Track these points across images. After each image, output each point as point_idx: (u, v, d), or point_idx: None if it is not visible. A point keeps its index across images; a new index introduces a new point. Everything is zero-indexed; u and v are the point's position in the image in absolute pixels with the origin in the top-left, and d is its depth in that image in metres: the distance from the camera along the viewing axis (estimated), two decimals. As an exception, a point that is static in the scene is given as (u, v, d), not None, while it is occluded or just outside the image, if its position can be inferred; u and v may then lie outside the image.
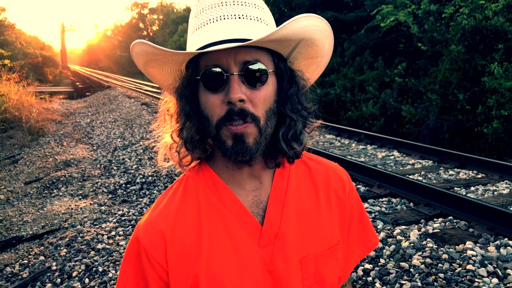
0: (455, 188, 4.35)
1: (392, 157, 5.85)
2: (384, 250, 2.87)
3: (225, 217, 0.79)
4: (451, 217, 3.46)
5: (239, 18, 0.74)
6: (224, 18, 0.74)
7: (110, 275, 3.54)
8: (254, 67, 0.73)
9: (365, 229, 0.95)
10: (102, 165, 7.31)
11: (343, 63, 14.01)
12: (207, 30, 0.74)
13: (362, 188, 4.39)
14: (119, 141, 8.85)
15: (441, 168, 5.19)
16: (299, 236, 0.81)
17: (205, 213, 0.80)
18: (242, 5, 0.75)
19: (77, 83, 30.57)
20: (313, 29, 0.78)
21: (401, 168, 5.23)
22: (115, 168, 7.00)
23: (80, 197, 5.95)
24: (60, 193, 6.22)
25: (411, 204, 3.88)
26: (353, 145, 6.79)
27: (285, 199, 0.82)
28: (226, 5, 0.74)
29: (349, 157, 5.82)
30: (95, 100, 17.99)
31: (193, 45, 0.77)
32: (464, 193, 4.19)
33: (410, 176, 4.79)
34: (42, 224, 5.01)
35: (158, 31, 50.74)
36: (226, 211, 0.79)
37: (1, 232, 5.07)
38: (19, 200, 6.28)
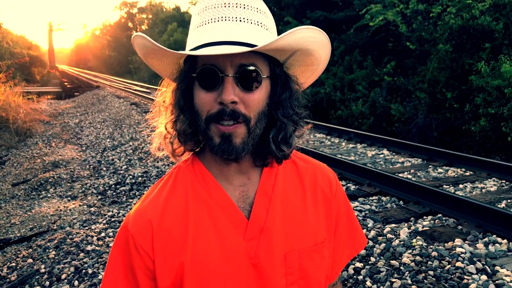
0: (444, 186, 4.40)
1: (381, 155, 5.89)
2: (375, 249, 2.89)
3: (212, 209, 0.80)
4: (440, 215, 3.50)
5: (240, 21, 0.75)
6: (225, 20, 0.75)
7: (100, 277, 3.50)
8: (250, 70, 0.74)
9: (353, 230, 0.96)
10: (91, 166, 7.24)
11: (332, 62, 14.06)
12: (208, 29, 0.76)
13: (352, 187, 4.41)
14: (108, 142, 8.77)
15: (430, 166, 5.24)
16: (284, 231, 0.83)
17: (193, 204, 0.81)
18: (244, 8, 0.76)
19: (66, 83, 30.23)
20: (310, 40, 0.79)
21: (390, 167, 5.27)
22: (104, 168, 6.93)
23: (69, 198, 5.88)
24: (49, 195, 6.14)
25: (401, 202, 3.91)
26: (343, 144, 6.82)
27: (271, 195, 0.83)
28: (228, 6, 0.76)
29: (339, 156, 5.85)
30: (84, 100, 17.81)
31: (193, 42, 0.78)
32: (453, 191, 4.24)
33: (400, 175, 4.83)
34: (30, 226, 4.95)
35: (147, 30, 50.40)
36: (214, 204, 0.81)
37: (-12, 235, 4.99)
38: (6, 202, 6.19)
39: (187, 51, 0.77)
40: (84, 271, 3.62)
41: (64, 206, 5.44)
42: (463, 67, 8.81)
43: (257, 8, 0.78)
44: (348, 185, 4.49)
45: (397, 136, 10.37)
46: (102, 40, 67.91)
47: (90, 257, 3.86)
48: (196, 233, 0.79)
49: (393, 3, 11.56)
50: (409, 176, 4.79)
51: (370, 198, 4.07)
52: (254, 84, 0.75)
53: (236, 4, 0.76)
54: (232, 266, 0.79)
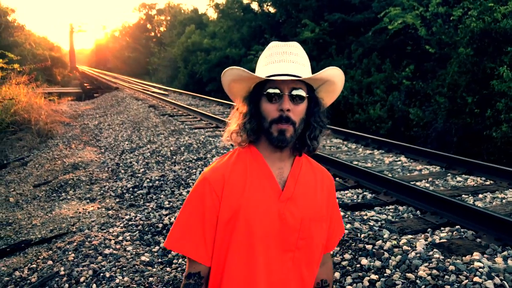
0: (463, 196, 4.32)
1: (399, 162, 5.82)
2: (390, 261, 2.86)
3: (261, 177, 1.22)
4: (458, 226, 3.44)
5: (293, 62, 1.20)
6: (285, 61, 1.20)
7: (117, 281, 3.56)
8: (298, 92, 1.19)
9: (340, 221, 1.41)
10: (110, 168, 7.36)
11: (350, 65, 13.96)
12: (274, 66, 1.20)
13: (369, 195, 4.38)
14: (127, 144, 8.90)
15: (449, 174, 5.16)
16: (303, 203, 1.24)
17: (250, 171, 1.23)
18: (295, 55, 1.21)
19: (85, 84, 30.80)
20: (336, 74, 1.24)
21: (408, 174, 5.21)
22: (122, 171, 7.04)
23: (88, 200, 6.00)
24: (68, 197, 6.27)
25: (418, 212, 3.86)
26: (360, 149, 6.77)
27: (298, 178, 1.25)
28: (286, 54, 1.21)
29: (356, 162, 5.81)
30: (103, 101, 18.10)
31: (264, 74, 1.20)
32: (472, 201, 4.16)
33: (417, 183, 4.77)
34: (51, 227, 5.06)
35: (165, 32, 50.90)
36: (262, 175, 1.22)
37: (10, 236, 5.13)
38: (28, 203, 6.35)
39: (262, 77, 1.20)
40: (102, 274, 3.69)
41: (83, 209, 5.55)
42: (484, 71, 8.64)
43: (302, 56, 1.23)
44: (365, 193, 4.46)
45: (416, 140, 10.22)
46: (121, 41, 68.92)
47: (108, 260, 3.93)
48: (250, 189, 1.21)
49: (413, 6, 11.40)
50: (427, 185, 4.72)
51: (387, 207, 4.03)
52: (299, 100, 1.19)
53: (290, 52, 1.22)
54: (268, 215, 1.19)
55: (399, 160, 5.93)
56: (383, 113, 11.12)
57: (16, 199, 6.59)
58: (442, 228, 3.48)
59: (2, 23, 35.11)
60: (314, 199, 1.26)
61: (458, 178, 4.99)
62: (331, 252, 3.10)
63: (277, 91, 1.17)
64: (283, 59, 1.19)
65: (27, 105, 11.59)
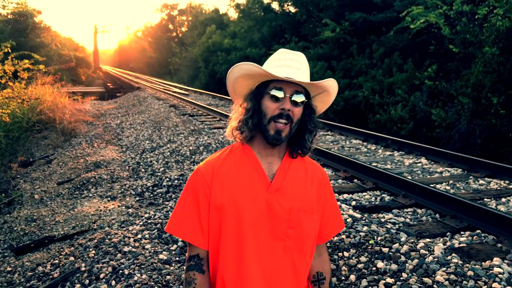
0: (485, 199, 4.22)
1: (419, 164, 5.72)
2: (407, 264, 2.83)
3: (251, 170, 1.33)
4: (479, 231, 3.37)
5: (298, 70, 1.32)
6: (292, 67, 1.31)
7: (136, 278, 3.63)
8: (298, 96, 1.30)
9: (336, 215, 1.47)
10: (131, 167, 7.49)
11: (371, 65, 13.79)
12: (281, 69, 1.30)
13: (387, 198, 4.33)
14: (147, 143, 9.04)
15: (471, 177, 5.04)
16: (291, 195, 1.33)
17: (240, 165, 1.34)
18: (300, 64, 1.33)
19: (109, 84, 31.40)
20: (332, 86, 1.36)
21: (428, 177, 5.11)
22: (143, 170, 7.16)
23: (109, 198, 6.12)
24: (90, 194, 6.42)
25: (437, 215, 3.79)
26: (380, 151, 6.68)
27: (287, 172, 1.35)
28: (293, 61, 1.32)
29: (375, 163, 5.74)
30: (125, 101, 18.43)
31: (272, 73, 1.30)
32: (494, 205, 4.06)
33: (438, 186, 4.68)
34: (73, 224, 5.19)
35: (187, 32, 51.38)
36: (252, 168, 1.33)
37: (34, 232, 5.29)
38: (52, 200, 6.53)
39: (277, 75, 1.28)
40: (120, 271, 3.77)
41: (104, 206, 5.67)
42: (510, 71, 8.40)
43: (306, 66, 1.35)
44: (383, 195, 4.41)
45: (438, 142, 10.02)
46: (143, 42, 69.97)
47: (127, 258, 4.01)
48: (239, 181, 1.32)
49: (436, 5, 11.18)
50: (448, 188, 4.63)
51: (405, 210, 3.98)
52: (299, 104, 1.30)
53: (297, 61, 1.33)
54: (256, 205, 1.30)
55: (420, 162, 5.83)
56: (404, 113, 10.95)
57: (40, 196, 6.79)
58: (462, 232, 3.41)
59: (30, 24, 36.15)
60: (303, 191, 1.35)
61: (481, 181, 4.87)
62: (344, 253, 3.08)
63: (281, 92, 1.28)
64: (290, 65, 1.31)
65: (52, 105, 11.90)
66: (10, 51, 7.36)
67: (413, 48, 13.23)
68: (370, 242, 3.21)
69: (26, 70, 7.99)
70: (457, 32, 10.60)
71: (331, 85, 1.35)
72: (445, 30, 10.65)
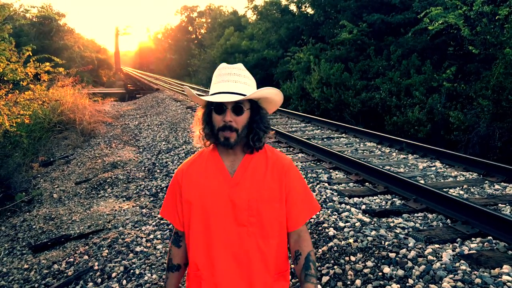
0: (499, 205, 4.13)
1: (433, 168, 5.64)
2: (414, 270, 2.80)
3: (215, 169, 1.55)
4: (490, 237, 3.31)
5: (235, 82, 1.50)
6: (229, 81, 1.50)
7: (146, 278, 3.70)
8: (239, 106, 1.48)
9: (307, 198, 1.61)
10: (146, 168, 7.62)
11: (389, 66, 13.62)
12: (220, 85, 1.50)
13: (398, 202, 4.29)
14: (163, 144, 9.17)
15: (486, 181, 4.94)
16: (250, 187, 1.51)
17: (206, 166, 1.57)
18: (238, 76, 1.51)
19: (129, 85, 31.90)
20: (271, 92, 1.53)
21: (442, 181, 5.03)
22: (158, 171, 7.27)
23: (124, 198, 6.25)
24: (106, 194, 6.56)
25: (448, 221, 3.74)
26: (394, 154, 6.61)
27: (247, 168, 1.54)
28: (231, 75, 1.51)
29: (388, 167, 5.69)
30: (144, 102, 18.71)
31: (213, 90, 1.52)
32: (508, 211, 3.97)
33: (451, 190, 4.61)
34: (88, 224, 5.32)
35: (205, 34, 51.79)
36: (215, 168, 1.55)
37: (52, 230, 5.44)
38: (69, 199, 6.70)
39: (209, 98, 1.48)
40: (132, 271, 3.85)
41: (119, 206, 5.79)
42: (532, 73, 8.17)
43: (244, 76, 1.53)
44: (394, 199, 4.37)
45: (456, 145, 9.82)
46: (163, 44, 70.83)
47: (138, 258, 4.09)
48: (205, 179, 1.55)
49: (456, 5, 10.97)
50: (461, 192, 4.55)
51: (416, 214, 3.93)
52: (241, 112, 1.48)
53: (234, 73, 1.51)
54: (219, 198, 1.52)
55: (434, 166, 5.74)
56: (422, 116, 10.77)
57: (59, 195, 6.97)
58: (472, 239, 3.35)
59: (54, 27, 37.11)
60: (262, 183, 1.53)
61: (496, 186, 4.77)
62: (351, 258, 3.07)
63: (221, 106, 1.47)
64: (228, 79, 1.49)
65: (72, 106, 12.19)
66: (31, 54, 7.59)
67: (431, 49, 12.99)
68: (349, 241, 3.23)
69: (47, 72, 8.22)
70: (477, 33, 10.37)
71: (266, 93, 1.51)
72: (464, 31, 10.44)
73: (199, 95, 1.64)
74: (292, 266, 1.61)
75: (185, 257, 1.67)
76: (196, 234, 1.55)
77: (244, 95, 1.47)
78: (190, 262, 1.59)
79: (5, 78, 6.80)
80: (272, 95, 1.54)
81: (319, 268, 3.12)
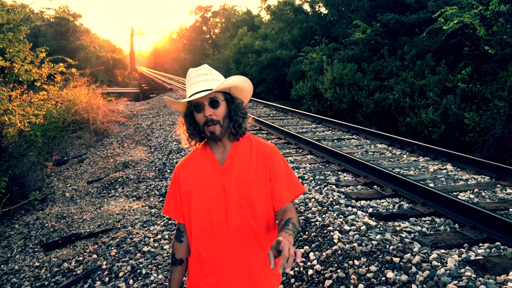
0: (510, 210, 4.05)
1: (444, 171, 5.55)
2: (417, 276, 2.77)
3: (207, 162, 1.73)
4: (498, 243, 3.25)
5: (205, 81, 1.66)
6: (199, 82, 1.66)
7: (152, 278, 3.74)
8: (214, 99, 1.64)
9: (290, 180, 1.75)
10: (157, 168, 7.69)
11: (402, 67, 13.45)
12: (193, 87, 1.67)
13: (406, 205, 4.24)
14: (174, 144, 9.24)
15: (498, 185, 4.85)
16: (238, 173, 1.69)
17: (199, 160, 1.75)
18: (206, 75, 1.68)
19: (143, 85, 32.20)
20: (238, 80, 1.69)
21: (452, 184, 4.96)
22: (168, 171, 7.34)
23: (134, 198, 6.32)
24: (117, 194, 6.65)
25: (456, 225, 3.68)
26: (405, 156, 6.53)
27: (234, 157, 1.71)
28: (200, 75, 1.67)
29: (398, 169, 5.63)
30: (157, 102, 18.87)
31: (188, 93, 1.67)
32: (519, 216, 3.89)
33: (461, 194, 4.54)
34: (98, 223, 5.40)
35: (219, 34, 51.98)
36: (207, 160, 1.73)
37: (63, 229, 5.54)
38: (81, 198, 6.81)
39: (188, 99, 1.66)
40: (139, 271, 3.90)
41: (129, 206, 5.86)
42: (549, 74, 7.98)
43: (211, 73, 1.68)
44: (402, 203, 4.32)
45: (471, 147, 9.66)
46: (178, 43, 71.32)
47: (145, 257, 4.14)
48: (199, 171, 1.73)
49: (471, 5, 10.78)
50: (472, 196, 4.47)
51: (423, 218, 3.88)
52: (217, 105, 1.64)
53: (202, 73, 1.68)
54: (213, 186, 1.70)
55: (445, 169, 5.65)
56: (436, 117, 10.62)
57: (71, 194, 7.09)
58: (480, 244, 3.30)
59: (70, 28, 37.72)
60: (248, 168, 1.70)
61: (508, 190, 4.68)
62: (354, 262, 3.05)
63: (199, 103, 1.63)
64: (198, 80, 1.66)
65: (86, 105, 12.37)
66: (45, 56, 7.74)
67: (447, 49, 12.78)
68: (354, 244, 3.20)
69: (60, 73, 8.37)
70: (493, 33, 10.17)
71: (233, 81, 1.67)
72: (480, 31, 10.25)
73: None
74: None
75: (187, 251, 1.81)
76: (197, 222, 1.71)
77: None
78: (192, 250, 1.76)
79: (20, 79, 6.94)
80: (240, 83, 1.69)
81: (322, 272, 3.11)
